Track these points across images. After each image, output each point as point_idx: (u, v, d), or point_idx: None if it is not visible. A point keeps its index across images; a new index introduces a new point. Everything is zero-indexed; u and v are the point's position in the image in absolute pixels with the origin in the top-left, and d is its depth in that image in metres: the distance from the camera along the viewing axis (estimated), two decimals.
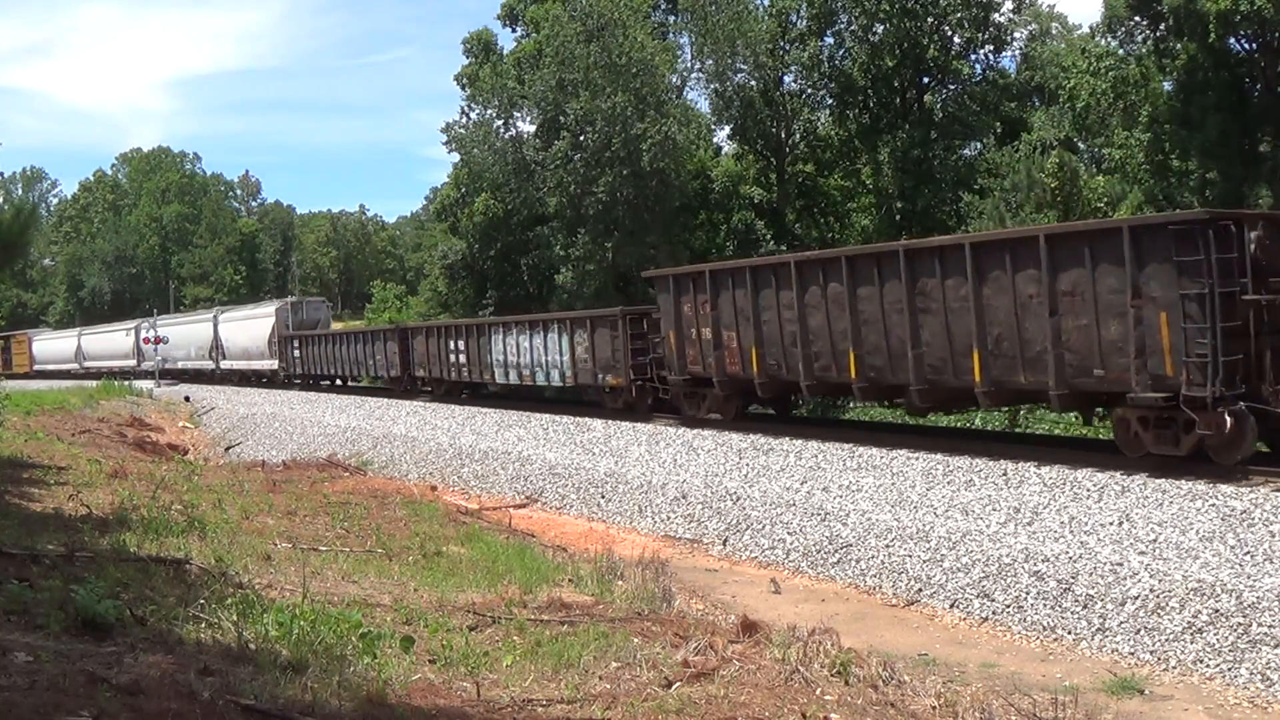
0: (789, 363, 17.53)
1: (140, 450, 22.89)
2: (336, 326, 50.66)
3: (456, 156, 49.58)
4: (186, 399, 41.40)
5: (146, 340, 51.56)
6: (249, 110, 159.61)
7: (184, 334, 51.36)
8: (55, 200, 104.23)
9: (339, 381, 39.18)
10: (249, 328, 44.61)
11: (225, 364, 46.73)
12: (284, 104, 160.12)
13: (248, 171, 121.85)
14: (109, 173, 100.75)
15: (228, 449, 28.04)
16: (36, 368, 66.03)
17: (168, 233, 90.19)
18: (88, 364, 59.29)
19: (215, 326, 47.55)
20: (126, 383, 44.87)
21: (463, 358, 28.47)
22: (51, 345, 67.91)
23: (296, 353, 40.35)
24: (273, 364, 42.15)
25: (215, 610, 6.58)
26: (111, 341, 58.22)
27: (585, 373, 23.16)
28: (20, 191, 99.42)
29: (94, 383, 45.56)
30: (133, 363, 54.51)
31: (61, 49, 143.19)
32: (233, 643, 6.00)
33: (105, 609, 6.09)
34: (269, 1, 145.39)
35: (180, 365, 51.20)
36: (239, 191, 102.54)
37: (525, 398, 28.47)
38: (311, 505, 13.88)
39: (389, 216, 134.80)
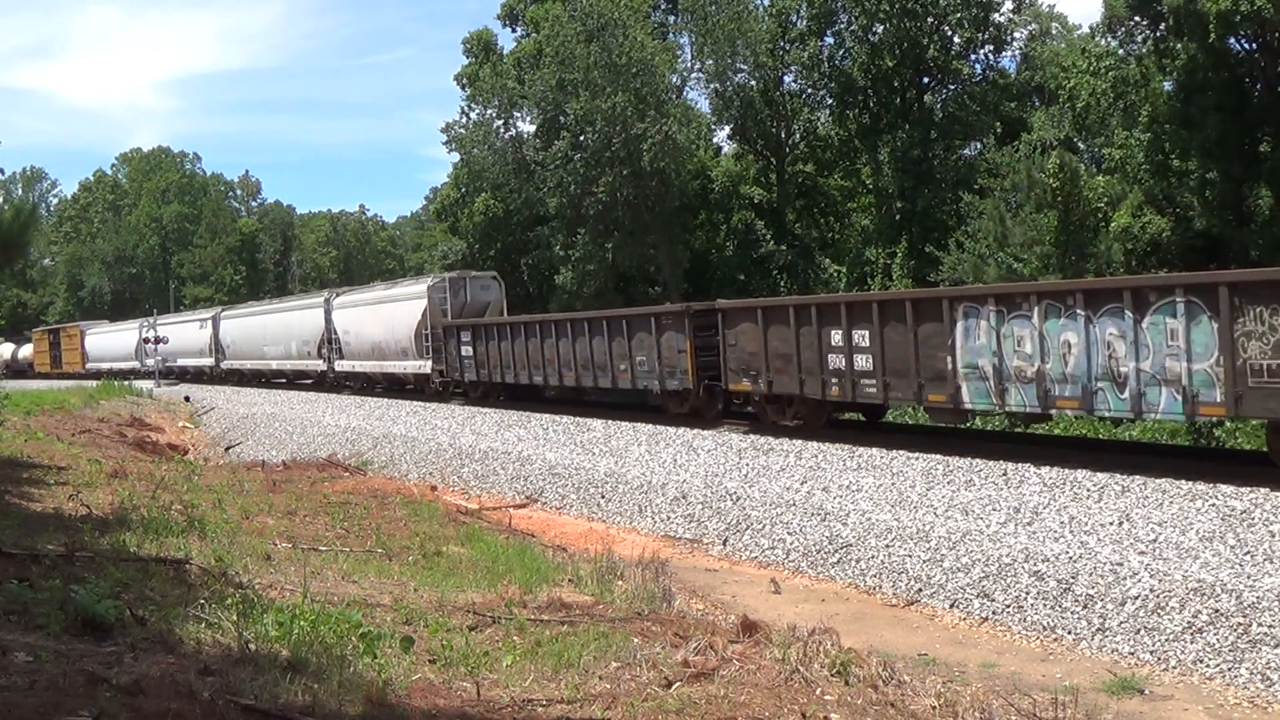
0: None
1: (140, 450, 22.89)
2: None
3: (456, 156, 49.85)
4: (186, 399, 41.36)
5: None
6: (249, 110, 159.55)
7: (281, 325, 40.34)
8: (55, 200, 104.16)
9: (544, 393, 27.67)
10: (384, 315, 32.77)
11: (343, 365, 35.62)
12: (284, 104, 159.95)
13: (248, 171, 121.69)
14: (109, 173, 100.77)
15: (228, 449, 28.04)
16: (90, 366, 57.54)
17: (168, 233, 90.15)
18: (151, 362, 51.41)
19: (327, 315, 36.36)
20: (126, 382, 44.50)
21: (864, 360, 16.13)
22: (108, 340, 58.35)
23: (466, 350, 28.29)
24: (423, 366, 30.55)
25: (215, 610, 6.58)
26: (179, 335, 48.96)
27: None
28: (20, 191, 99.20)
29: (93, 383, 45.44)
30: (209, 361, 46.46)
31: (62, 49, 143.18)
32: (233, 643, 6.00)
33: (105, 609, 6.10)
34: (269, 1, 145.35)
35: (274, 365, 41.24)
36: (239, 191, 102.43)
37: (1060, 445, 16.48)
38: (311, 505, 13.90)
39: (389, 216, 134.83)
